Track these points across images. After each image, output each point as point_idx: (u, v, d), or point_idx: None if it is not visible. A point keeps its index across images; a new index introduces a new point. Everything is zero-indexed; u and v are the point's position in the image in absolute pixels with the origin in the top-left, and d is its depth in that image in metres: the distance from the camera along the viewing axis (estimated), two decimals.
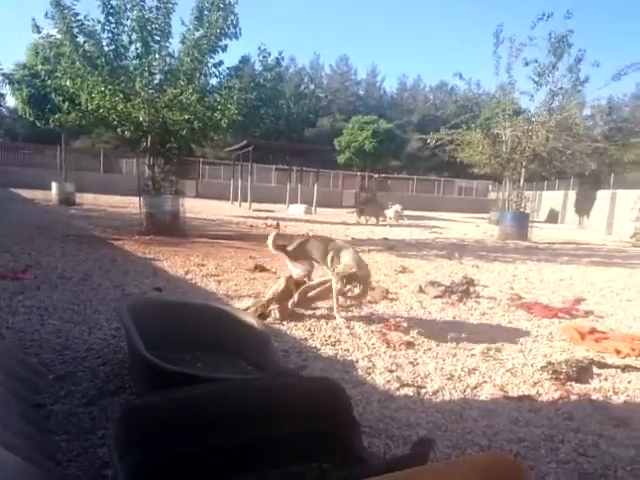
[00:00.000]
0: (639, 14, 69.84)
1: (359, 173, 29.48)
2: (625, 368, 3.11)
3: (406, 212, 21.32)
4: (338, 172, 31.05)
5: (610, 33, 64.84)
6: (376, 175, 29.35)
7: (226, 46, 8.51)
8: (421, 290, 5.10)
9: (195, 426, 1.47)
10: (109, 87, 7.94)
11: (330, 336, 3.42)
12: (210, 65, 8.64)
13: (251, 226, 11.82)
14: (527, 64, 11.58)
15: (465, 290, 5.11)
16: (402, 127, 36.49)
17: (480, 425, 2.23)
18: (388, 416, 2.28)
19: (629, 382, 2.88)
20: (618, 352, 3.43)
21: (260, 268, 5.68)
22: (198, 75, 8.46)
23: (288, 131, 24.42)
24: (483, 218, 21.39)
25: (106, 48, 8.11)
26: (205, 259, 6.23)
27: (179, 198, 8.90)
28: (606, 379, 2.91)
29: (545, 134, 11.43)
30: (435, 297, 4.87)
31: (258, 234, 10.18)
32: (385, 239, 10.45)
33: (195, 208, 15.02)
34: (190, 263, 5.87)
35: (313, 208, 19.60)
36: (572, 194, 21.28)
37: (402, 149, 30.63)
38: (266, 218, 13.99)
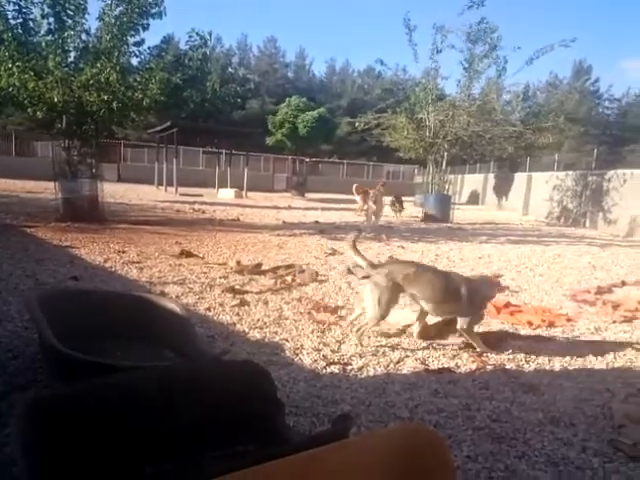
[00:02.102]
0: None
1: (290, 157, 29.34)
2: (536, 338, 3.34)
3: (337, 196, 21.64)
4: (269, 156, 30.72)
5: (530, 21, 68.13)
6: (307, 159, 29.37)
7: (148, 25, 8.12)
8: (349, 271, 5.18)
9: (108, 417, 1.40)
10: (17, 64, 7.31)
11: (259, 320, 3.39)
12: (131, 44, 8.22)
13: (177, 211, 11.46)
14: (453, 47, 12.00)
15: None
16: (332, 111, 36.62)
17: (402, 398, 2.31)
18: (314, 395, 2.30)
19: (539, 351, 3.09)
20: (530, 324, 3.66)
21: (186, 254, 5.52)
22: (117, 54, 8.00)
23: (216, 113, 23.78)
24: (410, 201, 22.07)
25: (13, 22, 7.47)
26: (126, 246, 5.96)
27: (98, 182, 8.44)
28: (519, 349, 3.10)
29: (466, 119, 11.93)
30: (363, 277, 4.96)
31: (185, 219, 9.91)
32: (316, 222, 10.51)
33: (116, 193, 14.35)
34: (110, 250, 5.60)
35: (244, 192, 19.32)
36: (491, 177, 22.42)
37: (333, 133, 30.80)
38: (193, 203, 13.62)
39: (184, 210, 11.72)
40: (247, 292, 4.07)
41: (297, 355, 2.81)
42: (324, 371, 2.61)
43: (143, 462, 1.55)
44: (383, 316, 3.01)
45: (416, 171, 33.50)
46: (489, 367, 2.79)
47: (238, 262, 5.18)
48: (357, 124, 13.83)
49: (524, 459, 1.85)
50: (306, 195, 22.31)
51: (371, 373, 2.61)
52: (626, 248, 8.79)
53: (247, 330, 3.18)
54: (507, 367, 2.82)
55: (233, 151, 22.62)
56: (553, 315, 3.90)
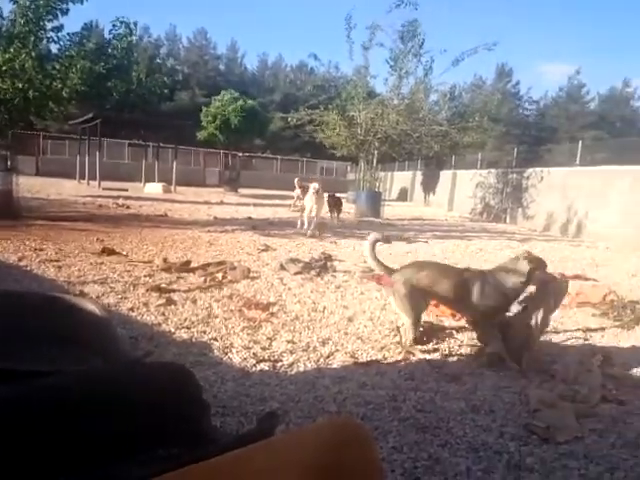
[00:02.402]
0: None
1: (222, 151, 28.72)
2: (459, 329, 3.47)
3: (271, 192, 21.50)
4: (199, 149, 29.97)
5: (455, 24, 70.82)
6: (240, 153, 28.90)
7: (67, 9, 7.64)
8: (282, 267, 5.15)
9: (16, 425, 1.29)
10: None
11: (186, 319, 3.29)
12: (48, 29, 7.71)
13: (100, 206, 10.91)
14: (382, 45, 12.24)
15: (323, 265, 5.29)
16: (265, 105, 36.29)
17: (331, 392, 2.32)
18: (243, 393, 2.26)
19: (462, 341, 3.22)
20: (454, 315, 3.80)
21: (109, 251, 5.26)
22: (34, 39, 7.47)
23: (142, 104, 22.84)
24: (342, 198, 22.36)
25: None
26: (44, 243, 5.59)
27: (13, 176, 7.87)
28: (443, 340, 3.21)
29: (396, 117, 12.24)
30: (295, 273, 4.96)
31: (108, 215, 9.45)
32: (249, 218, 10.38)
33: (34, 187, 13.45)
34: (25, 248, 5.23)
35: (172, 187, 18.72)
36: (419, 174, 23.18)
37: (265, 127, 30.53)
38: (118, 197, 13.01)
39: (107, 205, 11.18)
40: (174, 291, 3.93)
41: (226, 354, 2.75)
42: (254, 369, 2.57)
43: (56, 473, 1.44)
44: (415, 323, 2.98)
45: (349, 168, 33.99)
46: (414, 358, 2.87)
47: (165, 259, 5.00)
48: (290, 119, 13.81)
49: (447, 447, 1.91)
50: (239, 190, 22.01)
51: (301, 369, 2.61)
52: (542, 242, 9.38)
53: (173, 330, 3.07)
54: (432, 358, 2.91)
55: (161, 144, 21.87)
56: None
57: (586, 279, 5.47)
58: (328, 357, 2.78)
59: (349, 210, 14.07)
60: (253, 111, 25.53)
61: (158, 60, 35.32)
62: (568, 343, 3.31)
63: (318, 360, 2.72)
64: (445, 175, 19.61)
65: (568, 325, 3.71)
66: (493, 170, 15.49)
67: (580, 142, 12.66)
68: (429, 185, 21.49)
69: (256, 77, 55.91)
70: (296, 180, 11.46)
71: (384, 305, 3.99)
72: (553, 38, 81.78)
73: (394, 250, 7.08)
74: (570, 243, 9.60)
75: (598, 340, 3.43)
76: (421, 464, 1.77)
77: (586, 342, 3.36)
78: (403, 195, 25.15)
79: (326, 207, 10.15)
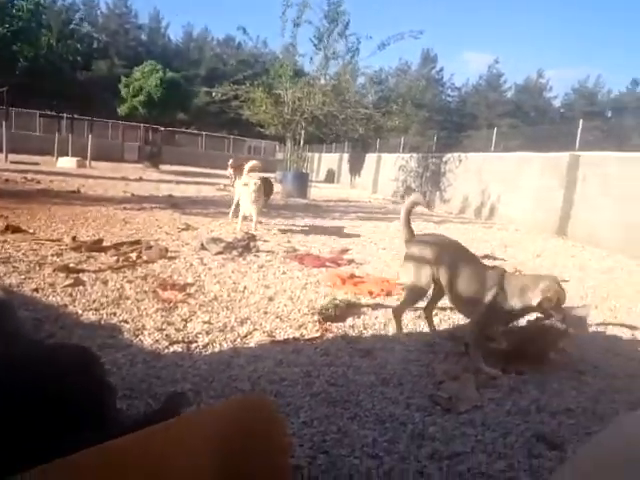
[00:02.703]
0: None
1: (143, 125, 27.39)
2: (375, 306, 3.58)
3: (195, 169, 20.89)
4: (118, 123, 28.40)
5: (381, 10, 71.59)
6: (162, 128, 27.72)
7: None
8: (203, 247, 5.03)
9: None
10: None
11: (95, 300, 3.13)
12: None
13: (6, 181, 10.08)
14: (310, 23, 12.13)
15: (246, 245, 5.24)
16: (189, 79, 34.94)
17: (246, 371, 2.31)
18: (153, 375, 2.20)
19: (376, 318, 3.32)
20: (371, 293, 3.92)
21: (13, 229, 4.88)
22: None
23: (55, 72, 21.17)
24: (272, 177, 22.19)
25: None
26: None
27: None
28: (359, 317, 3.30)
29: (322, 98, 12.24)
30: (217, 253, 4.87)
31: (15, 190, 8.77)
32: (170, 196, 10.03)
33: None
34: None
35: (87, 161, 17.66)
36: (346, 156, 23.47)
37: (189, 101, 29.43)
38: (26, 172, 12.08)
39: (14, 180, 10.36)
40: (83, 271, 3.73)
41: (137, 336, 2.65)
42: (166, 351, 2.50)
43: None
44: (414, 299, 2.92)
45: (278, 147, 33.67)
46: (331, 335, 2.92)
47: (74, 238, 4.72)
48: (214, 94, 13.40)
49: (356, 420, 1.97)
50: (160, 167, 21.18)
51: (217, 349, 2.57)
52: (457, 224, 9.87)
53: (81, 312, 2.91)
54: (348, 334, 2.98)
55: (76, 116, 20.48)
56: (391, 285, 4.22)
57: (495, 259, 5.82)
58: (245, 337, 2.77)
59: (277, 191, 13.97)
60: (175, 83, 24.53)
61: (72, 26, 32.74)
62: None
63: (235, 340, 2.70)
64: (370, 158, 19.98)
65: None
66: (414, 154, 15.98)
67: (495, 129, 13.33)
68: (355, 167, 21.82)
69: (180, 49, 53.60)
70: (231, 161, 11.10)
71: (305, 284, 4.03)
72: (475, 27, 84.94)
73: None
74: (483, 225, 10.17)
75: None
76: (330, 437, 1.82)
77: None
78: (330, 177, 25.38)
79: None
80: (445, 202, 13.55)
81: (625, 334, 3.50)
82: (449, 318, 3.45)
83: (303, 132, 13.08)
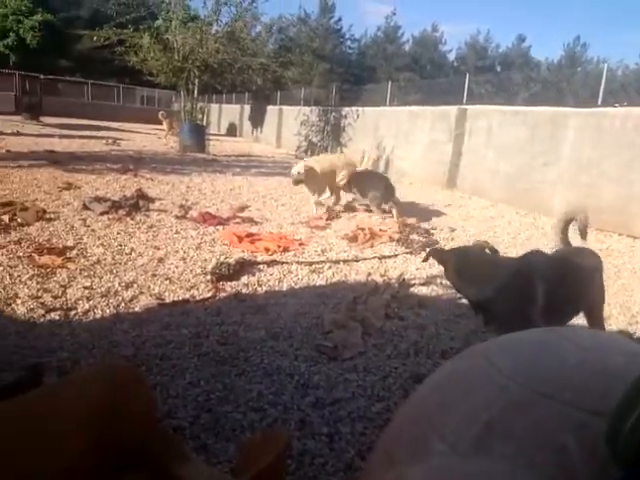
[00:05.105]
0: None
1: (18, 72, 24.43)
2: (271, 263, 3.60)
3: (82, 122, 19.17)
4: None
5: None
6: (42, 76, 24.92)
7: None
8: (85, 207, 4.70)
9: None
10: None
11: None
12: None
13: None
14: None
15: (134, 204, 4.97)
16: (70, 20, 31.44)
17: (130, 336, 2.24)
18: (26, 346, 2.06)
19: (271, 274, 3.35)
20: (267, 250, 3.92)
21: None
22: None
23: None
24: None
25: None
26: None
27: None
28: (254, 274, 3.30)
29: (215, 45, 11.62)
30: (102, 213, 4.58)
31: None
32: (51, 152, 9.17)
33: None
34: None
35: None
36: (247, 108, 22.77)
37: (70, 47, 26.66)
38: None
39: None
40: None
41: (9, 306, 2.45)
42: (42, 320, 2.34)
43: None
44: None
45: (174, 98, 31.73)
46: (224, 294, 2.90)
47: None
48: (95, 38, 12.17)
49: (243, 376, 2.00)
50: (41, 119, 19.22)
51: (98, 316, 2.46)
52: None
53: None
54: (243, 292, 2.98)
55: None
56: (288, 241, 4.26)
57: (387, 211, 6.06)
58: (131, 301, 2.67)
59: (173, 145, 13.31)
60: (49, 25, 21.98)
61: None
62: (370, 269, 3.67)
63: (119, 305, 2.59)
64: (272, 111, 19.56)
65: (367, 254, 4.10)
66: (315, 108, 15.90)
67: (390, 83, 13.58)
68: (257, 120, 21.27)
69: None
70: (161, 113, 10.68)
71: (199, 244, 3.94)
72: None
73: (217, 187, 6.98)
74: None
75: (391, 265, 3.86)
76: (215, 395, 1.83)
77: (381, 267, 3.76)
78: (232, 130, 24.55)
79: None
80: None
81: None
82: (340, 271, 3.57)
83: (197, 81, 12.39)
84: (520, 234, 5.59)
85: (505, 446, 0.66)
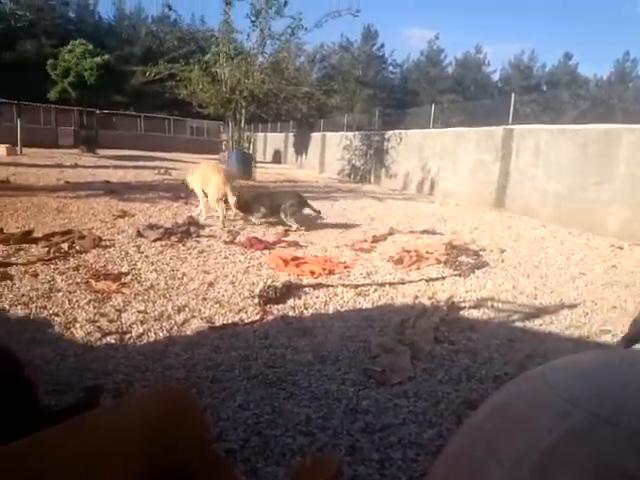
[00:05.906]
0: None
1: (77, 108, 26.00)
2: (316, 286, 3.62)
3: (134, 152, 20.12)
4: (50, 106, 26.82)
5: None
6: (97, 111, 26.42)
7: None
8: (139, 234, 4.90)
9: None
10: None
11: (23, 295, 3.00)
12: None
13: None
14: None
15: (186, 231, 5.13)
16: (124, 58, 33.31)
17: (182, 359, 2.29)
18: (84, 368, 2.14)
19: (317, 297, 3.35)
20: (313, 273, 3.95)
21: None
22: None
23: None
24: (215, 159, 21.73)
25: None
26: None
27: None
28: (300, 297, 3.32)
29: (260, 76, 12.00)
30: (155, 240, 4.75)
31: None
32: (107, 182, 9.64)
33: None
34: None
35: (18, 148, 16.66)
36: (291, 136, 23.25)
37: (125, 83, 28.17)
38: None
39: None
40: (11, 264, 3.55)
41: (68, 329, 2.56)
42: (98, 343, 2.43)
43: None
44: None
45: (222, 128, 32.82)
46: (271, 317, 2.93)
47: (1, 230, 4.47)
48: (147, 73, 12.83)
49: (291, 399, 2.00)
50: (97, 151, 20.29)
51: (152, 339, 2.53)
52: (400, 200, 10.04)
53: (8, 307, 2.79)
54: (289, 315, 3.00)
55: (2, 100, 19.20)
56: (333, 264, 4.27)
57: (434, 233, 5.99)
58: (183, 324, 2.73)
59: None
60: (107, 65, 23.36)
61: None
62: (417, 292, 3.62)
63: (171, 328, 2.66)
64: (315, 137, 19.90)
65: (414, 276, 4.05)
66: (358, 133, 16.04)
67: (433, 105, 13.55)
68: (301, 147, 21.67)
69: (113, 28, 50.90)
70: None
71: (247, 268, 4.01)
72: (415, 3, 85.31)
73: None
74: (424, 200, 10.41)
75: (439, 287, 3.79)
76: (264, 418, 1.84)
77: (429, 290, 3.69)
78: (277, 157, 25.11)
79: None
80: (390, 178, 13.75)
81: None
82: (387, 294, 3.54)
83: (244, 111, 12.79)
84: (573, 255, 5.39)
85: (565, 475, 0.64)
